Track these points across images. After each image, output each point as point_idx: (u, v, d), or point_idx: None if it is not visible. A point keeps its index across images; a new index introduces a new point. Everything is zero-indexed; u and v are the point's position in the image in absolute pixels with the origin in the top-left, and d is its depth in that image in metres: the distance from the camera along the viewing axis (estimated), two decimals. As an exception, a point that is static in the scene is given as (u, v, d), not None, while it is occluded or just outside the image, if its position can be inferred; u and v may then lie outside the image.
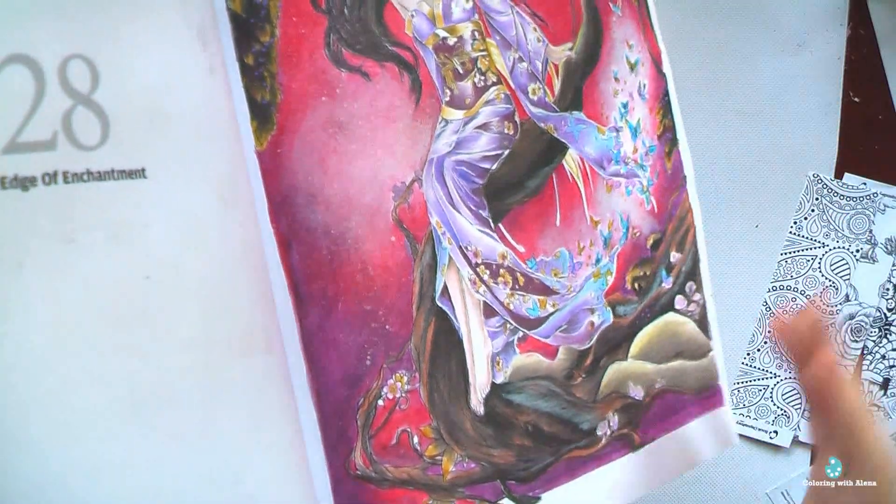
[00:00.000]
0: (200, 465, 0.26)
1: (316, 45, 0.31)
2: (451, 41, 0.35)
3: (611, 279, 0.40)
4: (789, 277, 0.61)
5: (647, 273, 0.41)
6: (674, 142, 0.43)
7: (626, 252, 0.40)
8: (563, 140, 0.39)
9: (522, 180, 0.37)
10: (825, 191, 0.60)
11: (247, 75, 0.29)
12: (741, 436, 0.62)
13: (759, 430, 0.61)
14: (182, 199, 0.27)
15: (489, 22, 0.36)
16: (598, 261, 0.39)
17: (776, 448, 0.62)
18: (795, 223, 0.60)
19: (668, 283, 0.42)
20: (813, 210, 0.60)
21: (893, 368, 0.61)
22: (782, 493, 0.62)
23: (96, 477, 0.24)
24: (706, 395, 0.43)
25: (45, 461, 0.23)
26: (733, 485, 0.63)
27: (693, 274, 0.43)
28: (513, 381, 0.36)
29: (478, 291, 0.35)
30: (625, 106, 0.41)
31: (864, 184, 0.60)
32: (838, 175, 0.60)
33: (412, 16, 0.34)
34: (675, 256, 0.42)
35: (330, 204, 0.30)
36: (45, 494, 0.23)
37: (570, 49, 0.39)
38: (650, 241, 0.41)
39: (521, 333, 0.36)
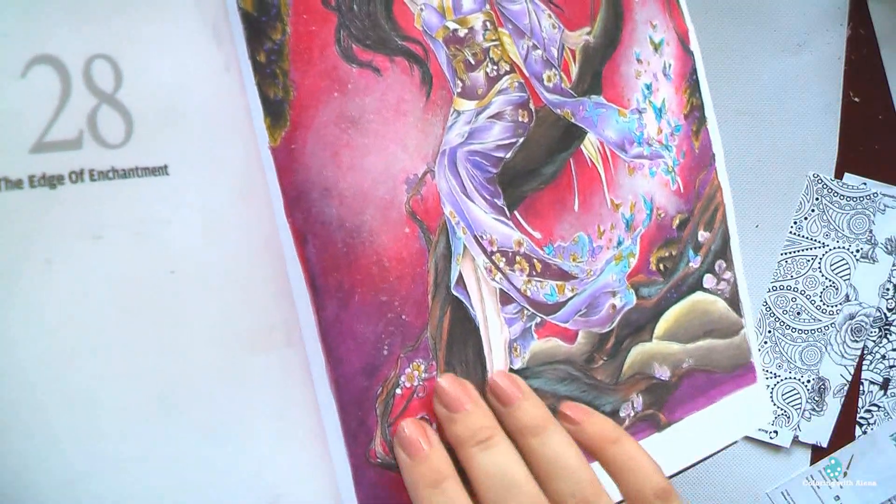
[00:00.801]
0: (224, 458, 0.26)
1: (327, 41, 0.31)
2: (462, 32, 0.35)
3: (633, 261, 0.40)
4: (789, 277, 0.61)
5: (673, 253, 0.41)
6: (702, 120, 0.42)
7: (650, 233, 0.40)
8: (582, 125, 0.38)
9: (538, 167, 0.37)
10: (825, 191, 0.60)
11: (259, 73, 0.29)
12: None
13: (759, 430, 0.61)
14: (202, 195, 0.27)
15: (501, 11, 0.36)
16: (619, 243, 0.39)
17: (776, 448, 0.62)
18: (795, 223, 0.60)
19: (695, 263, 0.42)
20: (813, 210, 0.60)
21: (893, 368, 0.61)
22: (782, 493, 0.62)
23: (120, 473, 0.24)
24: (738, 373, 0.43)
25: (69, 457, 0.23)
26: (733, 485, 0.63)
27: (723, 252, 0.42)
28: (530, 367, 0.36)
29: (493, 279, 0.35)
30: (648, 87, 0.41)
31: (864, 184, 0.60)
32: (838, 175, 0.60)
33: (421, 9, 0.34)
34: (703, 235, 0.42)
35: (344, 198, 0.31)
36: (69, 491, 0.23)
37: (588, 34, 0.39)
38: (676, 222, 0.41)
39: (538, 319, 0.36)
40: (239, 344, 0.27)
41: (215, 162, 0.28)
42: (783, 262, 0.61)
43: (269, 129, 0.29)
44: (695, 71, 0.43)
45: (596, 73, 0.39)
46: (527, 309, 0.36)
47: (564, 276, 0.37)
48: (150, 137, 0.26)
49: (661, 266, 0.41)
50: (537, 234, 0.37)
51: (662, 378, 0.40)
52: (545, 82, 0.37)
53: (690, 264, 0.41)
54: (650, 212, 0.40)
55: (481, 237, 0.35)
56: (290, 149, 0.30)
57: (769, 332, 0.61)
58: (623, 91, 0.40)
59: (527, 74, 0.37)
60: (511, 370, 0.35)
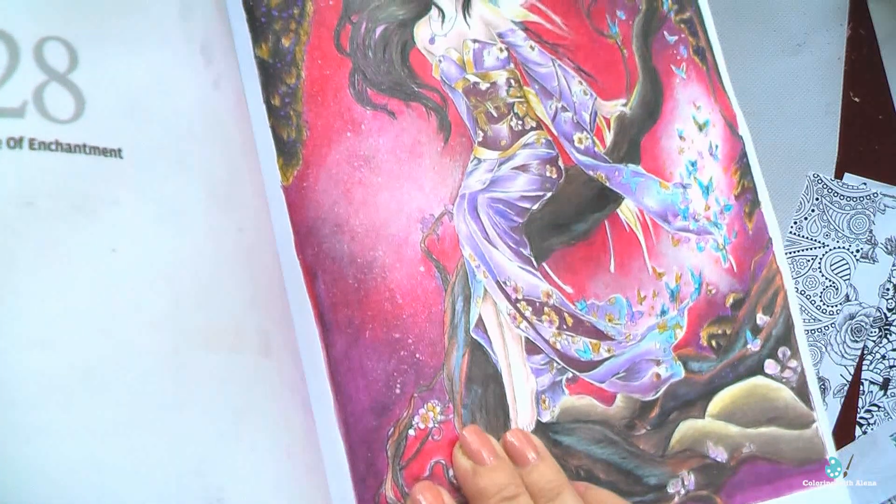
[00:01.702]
0: (158, 449, 0.25)
1: (341, 84, 0.31)
2: (484, 86, 0.35)
3: (680, 333, 0.38)
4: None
5: (728, 332, 0.40)
6: (755, 202, 0.41)
7: (699, 307, 0.39)
8: (617, 190, 0.38)
9: (569, 223, 0.37)
10: (825, 191, 0.60)
11: (273, 115, 0.30)
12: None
13: (759, 430, 0.61)
14: (162, 188, 0.27)
15: (527, 71, 0.36)
16: (663, 312, 0.38)
17: (776, 448, 0.62)
18: (795, 223, 0.60)
19: (754, 346, 0.40)
20: (813, 210, 0.60)
21: (893, 368, 0.61)
22: (782, 493, 0.62)
23: (33, 442, 0.23)
24: (811, 469, 0.40)
25: None
26: (733, 485, 0.63)
27: (786, 339, 0.41)
28: (561, 422, 0.35)
29: (518, 326, 0.34)
30: (693, 164, 0.40)
31: (864, 184, 0.60)
32: (838, 175, 0.60)
33: (440, 61, 0.34)
34: (762, 319, 0.41)
35: (356, 234, 0.31)
36: None
37: (624, 105, 0.39)
38: (730, 300, 0.40)
39: (570, 374, 0.35)
40: (190, 336, 0.26)
41: (186, 163, 0.28)
42: (783, 262, 0.61)
43: (282, 169, 0.30)
44: (745, 154, 0.42)
45: (634, 142, 0.39)
46: (556, 362, 0.35)
47: (599, 334, 0.36)
48: (103, 120, 0.26)
49: (714, 343, 0.39)
50: (568, 289, 0.36)
51: (718, 459, 0.39)
52: (576, 143, 0.37)
53: (748, 346, 0.40)
54: (699, 286, 0.39)
55: (505, 283, 0.34)
56: (302, 187, 0.30)
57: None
58: (664, 164, 0.39)
59: (555, 133, 0.37)
60: (539, 422, 0.34)
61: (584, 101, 0.38)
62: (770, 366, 0.40)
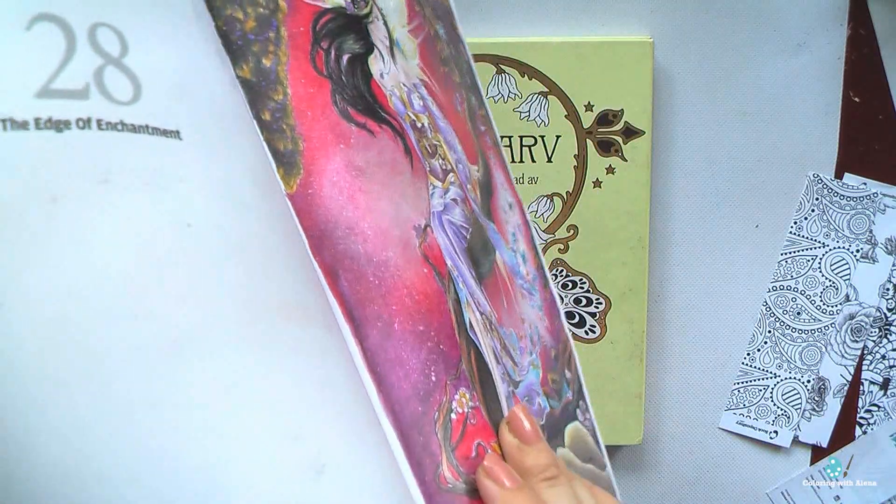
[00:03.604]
0: (254, 419, 0.25)
1: (325, 102, 0.32)
2: (419, 124, 0.37)
3: (539, 373, 0.42)
4: (789, 277, 0.61)
5: (556, 378, 0.43)
6: (546, 279, 0.45)
7: (542, 354, 0.43)
8: (491, 242, 0.41)
9: (481, 258, 0.39)
10: (825, 191, 0.60)
11: (266, 129, 0.30)
12: (741, 436, 0.62)
13: (759, 430, 0.61)
14: (218, 168, 0.27)
15: (434, 122, 0.38)
16: (531, 352, 0.42)
17: (776, 448, 0.62)
18: (795, 223, 0.60)
19: (569, 395, 0.44)
20: (813, 210, 0.60)
21: (893, 368, 0.61)
22: (782, 493, 0.62)
23: (128, 417, 0.23)
24: None
25: (75, 400, 0.23)
26: (733, 485, 0.63)
27: (581, 394, 0.45)
28: None
29: (487, 336, 0.37)
30: (513, 236, 0.44)
31: (864, 184, 0.60)
32: (838, 175, 0.60)
33: (390, 95, 0.36)
34: (567, 374, 0.45)
35: (367, 236, 0.31)
36: (78, 437, 0.23)
37: (478, 171, 0.42)
38: (552, 353, 0.44)
39: (512, 388, 0.38)
40: (266, 307, 0.27)
41: (232, 146, 0.28)
42: (783, 262, 0.61)
43: (284, 178, 0.30)
44: (533, 238, 0.46)
45: (487, 206, 0.42)
46: (505, 375, 0.38)
47: (512, 360, 0.39)
48: (159, 103, 0.26)
49: (554, 386, 0.43)
50: (495, 313, 0.39)
51: None
52: (469, 192, 0.40)
53: (567, 395, 0.44)
54: (538, 338, 0.43)
55: (472, 295, 0.36)
56: (308, 193, 0.30)
57: (769, 332, 0.61)
58: (504, 229, 0.43)
59: (461, 180, 0.39)
60: None
61: (464, 160, 0.41)
62: (578, 414, 0.45)
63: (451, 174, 0.38)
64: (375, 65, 0.35)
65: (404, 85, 0.37)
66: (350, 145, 0.32)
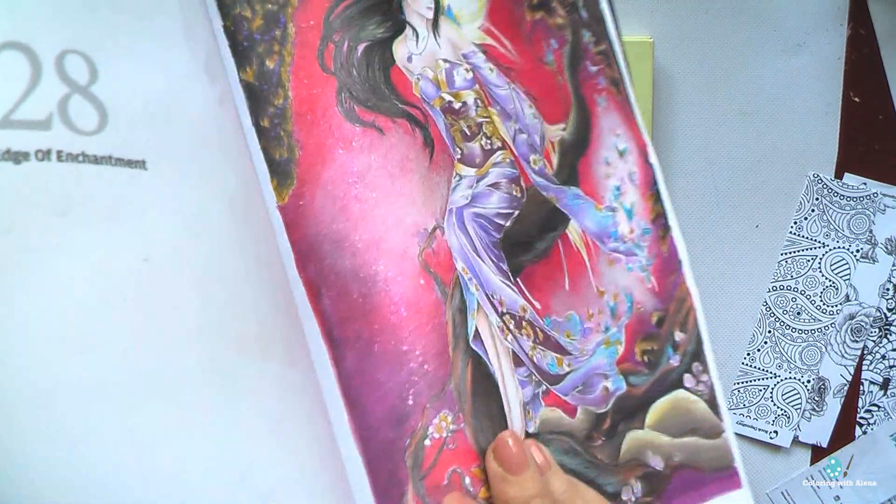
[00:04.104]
0: (207, 456, 0.26)
1: (328, 103, 0.31)
2: (457, 105, 0.36)
3: (620, 349, 0.40)
4: (789, 277, 0.61)
5: (655, 348, 0.42)
6: (666, 227, 0.43)
7: (633, 325, 0.41)
8: (564, 211, 0.40)
9: (532, 241, 0.38)
10: (825, 191, 0.60)
11: (264, 137, 0.30)
12: (741, 436, 0.62)
13: (759, 430, 0.61)
14: (185, 198, 0.27)
15: (489, 93, 0.37)
16: (606, 329, 0.40)
17: (776, 448, 0.62)
18: (795, 223, 0.60)
19: (675, 361, 0.42)
20: (813, 210, 0.60)
21: (893, 368, 0.61)
22: (782, 494, 0.62)
23: (77, 451, 0.23)
24: (722, 476, 0.43)
25: (23, 433, 0.23)
26: (733, 485, 0.63)
27: (698, 354, 0.43)
28: (541, 433, 0.36)
29: (506, 339, 0.35)
30: (617, 189, 0.42)
31: (864, 184, 0.60)
32: (838, 175, 0.60)
33: (418, 79, 0.35)
34: (679, 336, 0.43)
35: (357, 248, 0.31)
36: (22, 469, 0.23)
37: (563, 130, 0.40)
38: (654, 318, 0.42)
39: (544, 387, 0.37)
40: (224, 344, 0.27)
41: (203, 173, 0.28)
42: (783, 262, 0.61)
43: (277, 190, 0.30)
44: (656, 182, 0.44)
45: (573, 166, 0.40)
46: (534, 375, 0.36)
47: (561, 350, 0.38)
48: (126, 131, 0.26)
49: (646, 358, 0.41)
50: (538, 304, 0.37)
51: (657, 467, 0.41)
52: (532, 164, 0.39)
53: (670, 361, 0.42)
54: (630, 305, 0.41)
55: (492, 296, 0.35)
56: (298, 205, 0.30)
57: (769, 332, 0.61)
58: (596, 188, 0.41)
59: (516, 154, 0.38)
60: (527, 433, 0.35)
61: (535, 125, 0.39)
62: (688, 380, 0.43)
63: (500, 153, 0.37)
64: (402, 48, 0.34)
65: (445, 61, 0.36)
66: (351, 149, 0.32)
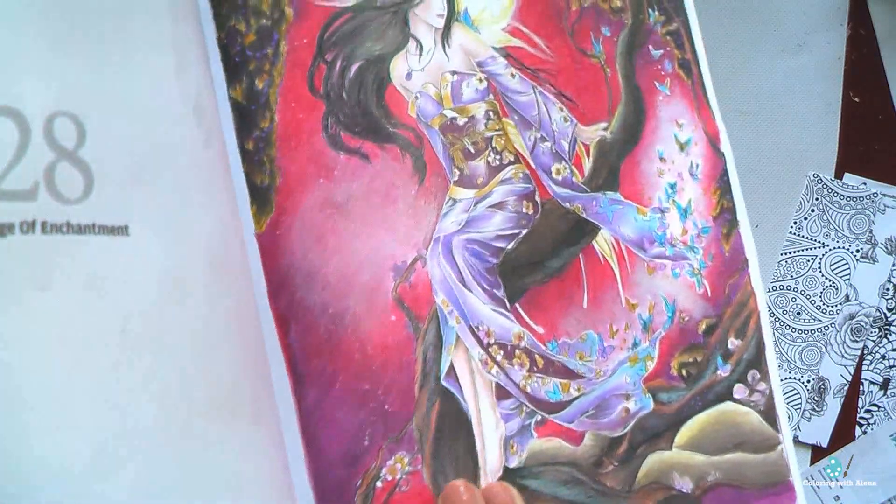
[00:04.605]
0: None
1: (314, 129, 0.31)
2: (461, 121, 0.35)
3: (651, 364, 0.38)
4: (789, 277, 0.61)
5: (699, 359, 0.39)
6: (733, 223, 0.41)
7: (671, 337, 0.39)
8: (594, 221, 0.38)
9: (543, 260, 0.36)
10: (825, 191, 0.60)
11: (247, 161, 0.30)
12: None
13: (759, 430, 0.61)
14: (164, 260, 0.27)
15: (507, 101, 0.36)
16: (635, 345, 0.38)
17: (776, 448, 0.62)
18: (795, 223, 0.60)
19: (724, 371, 0.40)
20: (813, 210, 0.60)
21: (893, 368, 0.61)
22: (782, 493, 0.62)
23: None
24: (774, 492, 0.40)
25: None
26: (733, 485, 0.63)
27: (757, 362, 0.41)
28: (528, 466, 0.35)
29: (489, 372, 0.34)
30: (672, 186, 0.40)
31: (864, 184, 0.60)
32: (838, 175, 0.60)
33: (416, 97, 0.34)
34: (733, 343, 0.40)
35: (328, 283, 0.31)
36: None
37: (605, 129, 0.38)
38: (702, 327, 0.40)
39: (538, 417, 0.35)
40: (193, 408, 0.27)
41: (187, 230, 0.28)
42: (783, 262, 0.61)
43: (255, 216, 0.30)
44: (726, 172, 0.41)
45: (612, 168, 0.38)
46: (526, 405, 0.35)
47: (569, 374, 0.36)
48: (111, 197, 0.26)
49: (685, 372, 0.39)
50: (539, 329, 0.36)
51: (683, 490, 0.38)
52: (553, 175, 0.37)
53: (718, 372, 0.40)
54: (672, 314, 0.39)
55: (477, 328, 0.34)
56: (275, 234, 0.30)
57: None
58: (643, 189, 0.39)
59: (533, 166, 0.36)
60: (506, 469, 0.34)
61: (564, 129, 0.37)
62: (739, 390, 0.40)
63: (511, 168, 0.36)
64: (401, 65, 0.34)
65: (453, 73, 0.35)
66: (332, 178, 0.31)
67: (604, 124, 0.38)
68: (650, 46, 0.40)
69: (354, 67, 0.33)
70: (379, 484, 0.31)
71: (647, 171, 0.39)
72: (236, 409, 0.28)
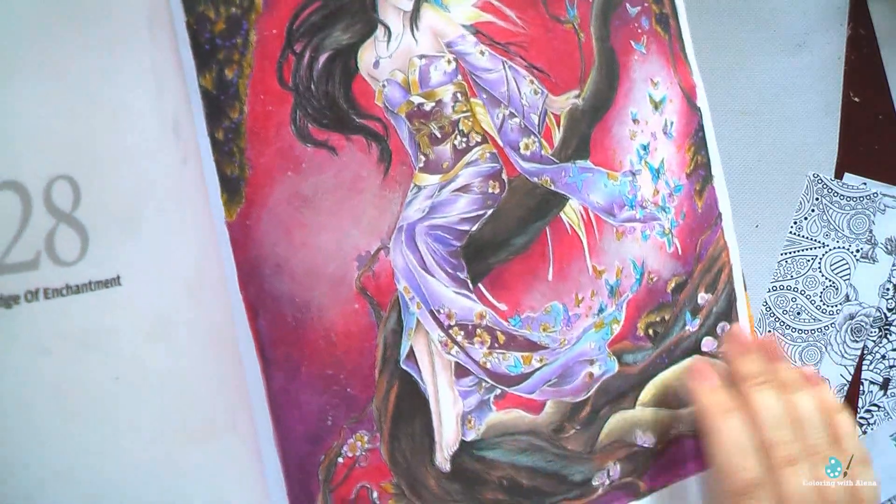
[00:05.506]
0: None
1: (282, 121, 0.32)
2: (428, 106, 0.35)
3: (617, 328, 0.39)
4: (789, 277, 0.61)
5: (666, 318, 0.40)
6: (707, 178, 0.41)
7: (638, 298, 0.40)
8: (563, 192, 0.38)
9: (508, 238, 0.37)
10: (825, 191, 0.60)
11: (217, 150, 0.30)
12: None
13: (759, 430, 0.61)
14: (153, 300, 0.28)
15: (475, 80, 0.36)
16: (601, 311, 0.39)
17: (776, 448, 0.62)
18: (795, 223, 0.60)
19: (693, 327, 0.41)
20: (813, 210, 0.60)
21: (893, 368, 0.61)
22: (782, 493, 0.62)
23: None
24: None
25: None
26: (733, 485, 0.63)
27: (727, 314, 0.42)
28: (486, 438, 0.36)
29: (449, 353, 0.35)
30: (644, 147, 0.40)
31: (864, 184, 0.60)
32: (838, 175, 0.60)
33: (384, 85, 0.34)
34: (703, 298, 0.41)
35: (295, 274, 0.32)
36: None
37: (577, 96, 0.39)
38: (671, 285, 0.40)
39: (498, 391, 0.36)
40: (177, 439, 0.28)
41: (169, 263, 0.29)
42: (783, 262, 0.61)
43: (226, 205, 0.30)
44: (702, 128, 0.42)
45: (583, 136, 0.39)
46: (485, 381, 0.36)
47: (532, 346, 0.37)
48: (104, 251, 0.27)
49: (651, 331, 0.40)
50: (502, 306, 0.37)
51: (646, 445, 0.40)
52: (521, 150, 0.37)
53: (687, 328, 0.41)
54: (640, 276, 0.40)
55: (438, 311, 0.35)
56: (246, 224, 0.31)
57: (769, 332, 0.61)
58: (615, 153, 0.39)
59: (500, 144, 0.37)
60: (463, 442, 0.35)
61: (534, 102, 0.38)
62: (707, 343, 0.41)
63: (478, 149, 0.36)
64: (368, 53, 0.34)
65: (421, 58, 0.35)
66: (300, 171, 0.32)
67: (575, 92, 0.39)
68: (627, 4, 0.40)
69: (322, 59, 0.33)
70: (340, 460, 0.33)
71: (619, 135, 0.40)
72: (215, 426, 0.30)
